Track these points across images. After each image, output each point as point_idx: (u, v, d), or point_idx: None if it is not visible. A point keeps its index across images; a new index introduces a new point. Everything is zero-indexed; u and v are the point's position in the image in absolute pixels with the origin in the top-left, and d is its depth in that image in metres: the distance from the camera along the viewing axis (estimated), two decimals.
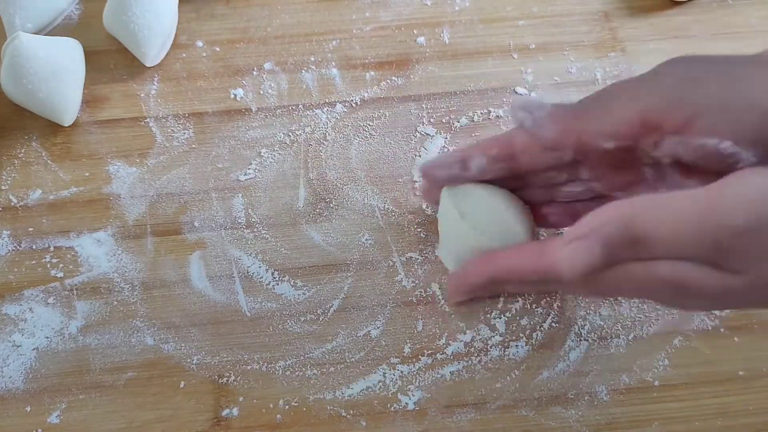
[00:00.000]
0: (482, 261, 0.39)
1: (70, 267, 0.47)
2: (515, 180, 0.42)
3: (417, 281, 0.46)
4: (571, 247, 0.33)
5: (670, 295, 0.34)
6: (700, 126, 0.34)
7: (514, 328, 0.45)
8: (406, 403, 0.43)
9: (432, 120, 0.52)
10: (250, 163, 0.51)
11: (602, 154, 0.38)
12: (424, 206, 0.49)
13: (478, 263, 0.39)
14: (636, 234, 0.32)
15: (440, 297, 0.46)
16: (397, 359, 0.44)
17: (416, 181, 0.50)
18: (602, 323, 0.45)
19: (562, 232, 0.46)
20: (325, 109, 0.53)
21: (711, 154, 0.34)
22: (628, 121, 0.36)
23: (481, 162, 0.41)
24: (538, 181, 0.43)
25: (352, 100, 0.53)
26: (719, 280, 0.32)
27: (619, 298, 0.45)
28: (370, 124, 0.52)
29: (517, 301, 0.45)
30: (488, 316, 0.45)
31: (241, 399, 0.43)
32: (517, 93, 0.52)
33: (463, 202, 0.42)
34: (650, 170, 0.39)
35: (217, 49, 0.56)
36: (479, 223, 0.41)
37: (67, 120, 0.52)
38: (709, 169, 0.35)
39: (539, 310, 0.45)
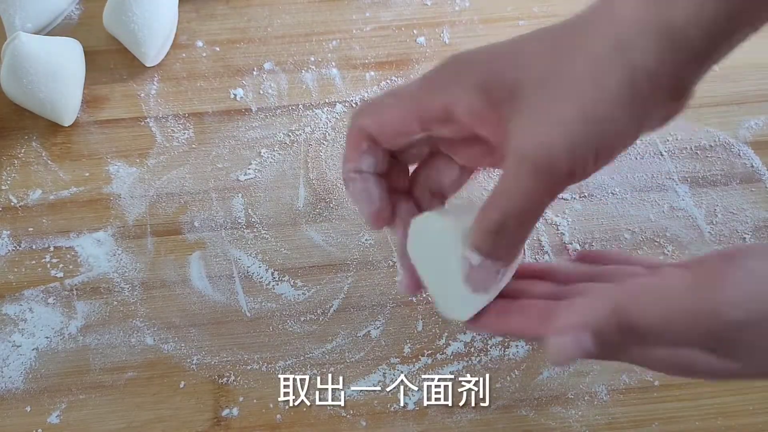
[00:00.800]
0: (497, 321, 0.36)
1: (70, 267, 0.47)
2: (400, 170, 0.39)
3: None
4: (561, 340, 0.32)
5: (673, 371, 0.34)
6: (459, 112, 0.33)
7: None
8: (406, 403, 0.43)
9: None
10: (250, 163, 0.51)
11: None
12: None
13: (493, 322, 0.36)
14: (625, 321, 0.31)
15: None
16: (397, 359, 0.44)
17: None
18: None
19: None
20: (325, 109, 0.53)
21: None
22: (430, 116, 0.35)
23: (368, 161, 0.38)
24: (409, 160, 0.39)
25: (352, 100, 0.53)
26: (717, 364, 0.31)
27: None
28: None
29: None
30: None
31: (241, 399, 0.43)
32: None
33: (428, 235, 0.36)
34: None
35: (217, 49, 0.56)
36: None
37: (67, 120, 0.52)
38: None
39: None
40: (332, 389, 0.43)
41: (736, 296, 0.30)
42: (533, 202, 0.32)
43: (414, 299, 0.46)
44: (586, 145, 0.31)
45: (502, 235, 0.33)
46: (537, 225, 0.47)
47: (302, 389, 0.43)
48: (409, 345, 0.44)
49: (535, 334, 0.35)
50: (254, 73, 0.54)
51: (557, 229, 0.48)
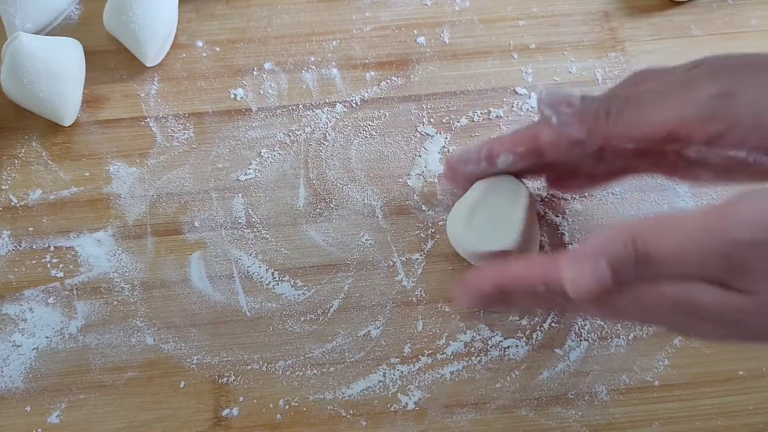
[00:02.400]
0: (492, 268, 0.38)
1: (70, 267, 0.47)
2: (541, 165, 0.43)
3: (417, 281, 0.46)
4: (577, 265, 0.33)
5: (678, 316, 0.33)
6: (731, 140, 0.34)
7: (514, 328, 0.45)
8: (406, 403, 0.43)
9: (432, 120, 0.52)
10: (250, 163, 0.51)
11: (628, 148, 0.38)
12: (424, 207, 0.49)
13: (487, 270, 0.38)
14: (642, 250, 0.32)
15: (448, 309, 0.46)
16: (397, 359, 0.44)
17: (412, 177, 0.50)
18: (602, 323, 0.45)
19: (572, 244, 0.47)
20: (325, 109, 0.53)
21: (737, 163, 0.34)
22: (658, 131, 0.36)
23: (507, 159, 0.42)
24: (563, 167, 0.43)
25: (352, 100, 0.53)
26: (726, 299, 0.31)
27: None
28: (370, 124, 0.52)
29: None
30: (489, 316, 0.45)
31: (241, 399, 0.43)
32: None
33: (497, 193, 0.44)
34: (674, 162, 0.39)
35: (217, 49, 0.56)
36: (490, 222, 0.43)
37: (67, 120, 0.52)
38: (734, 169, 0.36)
39: (539, 310, 0.45)
40: (332, 389, 0.43)
41: (744, 217, 0.30)
42: None
43: (414, 299, 0.46)
44: None
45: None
46: (537, 224, 0.47)
47: (302, 389, 0.43)
48: (409, 345, 0.44)
49: (541, 277, 0.35)
50: (254, 73, 0.54)
51: (557, 229, 0.48)
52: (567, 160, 0.42)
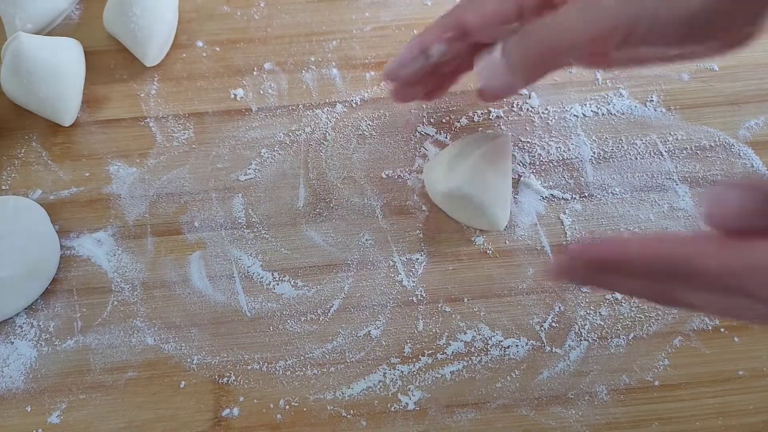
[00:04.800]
0: (614, 239, 0.33)
1: (71, 267, 0.47)
2: (476, 49, 0.44)
3: (417, 281, 0.46)
4: (713, 192, 0.30)
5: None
6: (636, 41, 0.36)
7: (514, 328, 0.45)
8: (407, 403, 0.43)
9: (432, 120, 0.52)
10: (250, 163, 0.51)
11: None
12: (423, 206, 0.49)
13: (609, 240, 0.33)
14: None
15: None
16: (398, 359, 0.44)
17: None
18: (602, 323, 0.45)
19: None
20: (325, 109, 0.53)
21: (648, 55, 0.38)
22: (575, 53, 0.38)
23: (440, 48, 0.43)
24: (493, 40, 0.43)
25: (352, 100, 0.53)
26: None
27: (618, 295, 0.45)
28: (370, 124, 0.52)
29: (519, 303, 0.46)
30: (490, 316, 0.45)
31: (241, 399, 0.43)
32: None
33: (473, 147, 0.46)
34: None
35: (217, 49, 0.56)
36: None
37: (67, 120, 0.52)
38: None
39: (539, 310, 0.45)
40: (332, 389, 0.43)
41: None
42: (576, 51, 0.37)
43: (414, 299, 0.46)
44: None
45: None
46: (537, 226, 0.47)
47: (303, 389, 0.43)
48: (409, 345, 0.44)
49: (669, 249, 0.31)
50: (254, 73, 0.54)
51: (561, 225, 0.48)
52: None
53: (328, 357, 0.44)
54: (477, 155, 0.46)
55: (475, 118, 0.52)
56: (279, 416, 0.43)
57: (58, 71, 0.51)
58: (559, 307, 0.45)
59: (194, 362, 0.44)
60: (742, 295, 0.29)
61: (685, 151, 0.50)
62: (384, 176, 0.50)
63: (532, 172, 0.50)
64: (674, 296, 0.32)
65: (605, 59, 0.40)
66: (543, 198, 0.49)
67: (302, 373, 0.44)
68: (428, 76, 0.45)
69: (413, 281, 0.46)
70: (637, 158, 0.50)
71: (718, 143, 0.50)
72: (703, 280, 0.30)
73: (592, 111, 0.51)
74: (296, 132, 0.52)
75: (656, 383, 0.43)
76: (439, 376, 0.44)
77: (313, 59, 0.55)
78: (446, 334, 0.45)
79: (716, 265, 0.29)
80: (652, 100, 0.52)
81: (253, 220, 0.49)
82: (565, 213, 0.48)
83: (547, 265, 0.45)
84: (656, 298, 0.34)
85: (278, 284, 0.46)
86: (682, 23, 0.35)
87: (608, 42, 0.36)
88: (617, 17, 0.36)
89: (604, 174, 0.49)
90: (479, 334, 0.45)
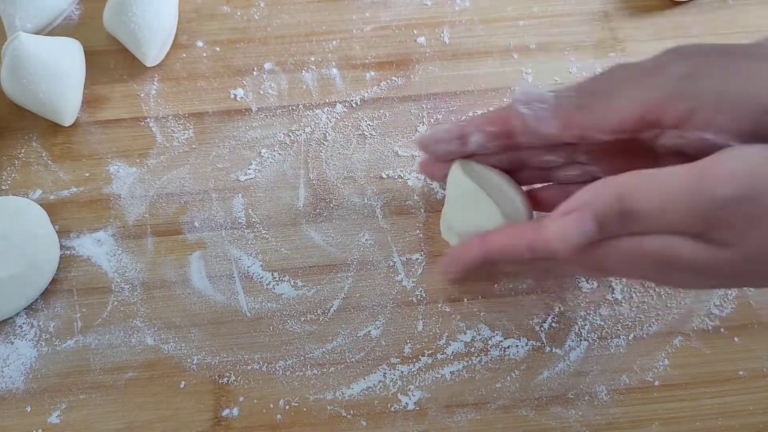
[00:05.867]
0: (476, 239, 0.39)
1: (71, 267, 0.47)
2: (512, 155, 0.43)
3: (417, 281, 0.46)
4: (563, 220, 0.34)
5: (660, 269, 0.34)
6: (698, 120, 0.34)
7: (514, 328, 0.45)
8: (407, 403, 0.43)
9: (432, 120, 0.52)
10: (250, 163, 0.51)
11: (601, 143, 0.39)
12: (423, 207, 0.49)
13: (473, 241, 0.39)
14: (626, 206, 0.33)
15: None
16: (398, 359, 0.44)
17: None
18: (602, 323, 0.45)
19: None
20: (325, 109, 0.53)
21: (710, 147, 0.34)
22: (629, 117, 0.36)
23: (479, 139, 0.42)
24: (534, 162, 0.43)
25: (352, 100, 0.53)
26: (708, 253, 0.32)
27: (618, 295, 0.45)
28: (370, 124, 0.52)
29: (520, 302, 0.46)
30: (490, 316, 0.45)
31: (241, 399, 0.43)
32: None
33: (475, 176, 0.42)
34: (648, 156, 0.39)
35: (217, 49, 0.56)
36: (494, 197, 0.42)
37: (67, 120, 0.52)
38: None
39: (539, 310, 0.45)
40: (332, 389, 0.43)
41: (725, 172, 0.31)
42: None
43: (414, 299, 0.46)
44: None
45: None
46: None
47: (303, 389, 0.43)
48: (409, 345, 0.44)
49: (525, 243, 0.36)
50: (254, 73, 0.54)
51: None
52: (537, 149, 0.42)
53: (328, 357, 0.44)
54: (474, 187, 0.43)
55: None
56: (279, 416, 0.43)
57: (58, 71, 0.51)
58: (559, 307, 0.45)
59: (194, 362, 0.44)
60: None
61: None
62: (384, 176, 0.50)
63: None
64: (547, 269, 0.40)
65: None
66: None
67: (302, 373, 0.44)
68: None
69: (413, 281, 0.46)
70: None
71: None
72: (563, 262, 0.36)
73: None
74: (296, 132, 0.52)
75: (656, 383, 0.43)
76: (439, 376, 0.44)
77: (313, 59, 0.55)
78: (446, 334, 0.45)
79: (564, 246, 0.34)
80: None
81: (253, 220, 0.49)
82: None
83: (439, 270, 0.45)
84: (531, 273, 0.44)
85: (278, 284, 0.46)
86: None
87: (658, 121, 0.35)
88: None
89: None
90: (479, 335, 0.45)
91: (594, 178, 0.42)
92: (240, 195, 0.50)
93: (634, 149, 0.39)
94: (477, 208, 0.42)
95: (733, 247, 0.32)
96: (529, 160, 0.43)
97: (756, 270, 0.33)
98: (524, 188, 0.43)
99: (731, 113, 0.34)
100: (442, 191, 0.49)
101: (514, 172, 0.43)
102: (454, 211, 0.43)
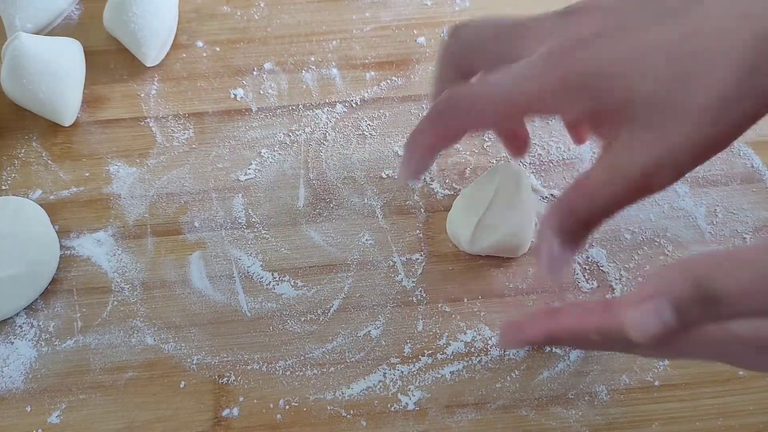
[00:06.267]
0: (542, 315, 0.37)
1: (70, 267, 0.47)
2: None
3: (417, 281, 0.46)
4: (640, 310, 0.31)
5: (749, 353, 0.33)
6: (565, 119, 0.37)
7: None
8: (407, 403, 0.43)
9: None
10: (250, 163, 0.51)
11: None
12: (423, 207, 0.49)
13: (537, 317, 0.37)
14: (708, 293, 0.30)
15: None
16: (398, 359, 0.44)
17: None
18: None
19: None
20: (325, 109, 0.53)
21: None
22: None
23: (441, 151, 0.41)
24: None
25: (352, 100, 0.53)
26: None
27: (618, 295, 0.45)
28: (370, 124, 0.52)
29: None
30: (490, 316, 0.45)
31: (241, 399, 0.43)
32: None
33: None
34: None
35: (217, 49, 0.56)
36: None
37: (67, 120, 0.52)
38: None
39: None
40: (332, 389, 0.43)
41: None
42: (619, 207, 0.35)
43: (414, 299, 0.46)
44: (689, 170, 0.34)
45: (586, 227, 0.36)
46: (537, 226, 0.47)
47: (303, 389, 0.43)
48: (409, 345, 0.44)
49: (596, 326, 0.34)
50: (254, 73, 0.54)
51: None
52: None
53: (327, 357, 0.44)
54: (491, 193, 0.45)
55: None
56: (279, 416, 0.43)
57: (58, 71, 0.51)
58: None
59: (194, 362, 0.44)
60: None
61: None
62: (384, 176, 0.50)
63: (532, 172, 0.50)
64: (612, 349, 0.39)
65: None
66: (543, 198, 0.49)
67: (302, 373, 0.44)
68: None
69: (413, 281, 0.46)
70: None
71: None
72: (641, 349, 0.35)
73: None
74: (296, 132, 0.52)
75: (656, 383, 0.43)
76: (439, 376, 0.44)
77: (313, 59, 0.55)
78: (446, 334, 0.45)
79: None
80: None
81: (253, 220, 0.49)
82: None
83: (499, 337, 0.42)
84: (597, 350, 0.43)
85: (278, 284, 0.46)
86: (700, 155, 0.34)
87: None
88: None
89: None
90: (479, 335, 0.45)
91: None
92: (240, 195, 0.50)
93: None
94: (509, 208, 0.44)
95: None
96: None
97: None
98: None
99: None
100: (443, 192, 0.49)
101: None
102: (490, 213, 0.45)
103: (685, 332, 0.31)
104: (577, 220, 0.36)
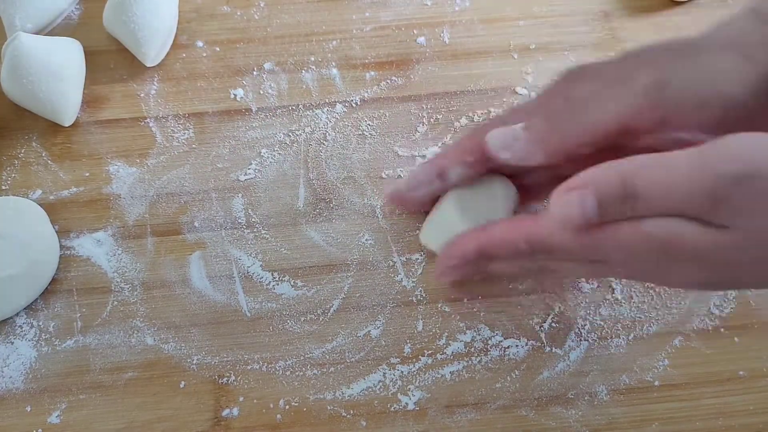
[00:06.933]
0: (473, 231, 0.39)
1: (70, 267, 0.47)
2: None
3: (417, 281, 0.46)
4: (565, 198, 0.34)
5: (660, 259, 0.34)
6: (671, 123, 0.35)
7: (514, 328, 0.45)
8: (406, 403, 0.43)
9: (432, 120, 0.52)
10: (250, 163, 0.51)
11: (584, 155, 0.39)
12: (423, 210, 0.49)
13: (469, 234, 0.39)
14: (629, 187, 0.32)
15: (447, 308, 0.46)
16: (397, 359, 0.44)
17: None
18: (602, 323, 0.45)
19: None
20: (325, 109, 0.53)
21: (683, 144, 0.35)
22: (603, 132, 0.37)
23: (459, 171, 0.42)
24: (515, 175, 0.43)
25: (352, 100, 0.53)
26: (708, 236, 0.32)
27: (618, 295, 0.45)
28: (370, 124, 0.52)
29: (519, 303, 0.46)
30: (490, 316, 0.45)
31: (241, 399, 0.43)
32: (517, 93, 0.53)
33: (465, 201, 0.43)
34: (625, 152, 0.40)
35: (217, 49, 0.56)
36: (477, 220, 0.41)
37: (67, 120, 0.52)
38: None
39: (539, 310, 0.45)
40: (332, 389, 0.43)
41: (729, 152, 0.31)
42: None
43: (414, 299, 0.46)
44: None
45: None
46: None
47: (302, 389, 0.43)
48: (409, 345, 0.44)
49: (524, 234, 0.36)
50: (254, 73, 0.54)
51: None
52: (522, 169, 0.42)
53: (327, 357, 0.44)
54: (475, 203, 0.43)
55: (475, 118, 0.52)
56: (279, 416, 0.43)
57: (58, 71, 0.51)
58: (559, 307, 0.45)
59: (194, 362, 0.44)
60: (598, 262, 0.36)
61: None
62: (384, 176, 0.50)
63: None
64: (546, 267, 0.39)
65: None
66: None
67: (302, 373, 0.44)
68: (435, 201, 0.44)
69: (413, 281, 0.46)
70: None
71: None
72: (562, 253, 0.36)
73: None
74: (296, 132, 0.52)
75: (656, 383, 0.43)
76: (439, 376, 0.44)
77: (313, 59, 0.55)
78: (446, 334, 0.45)
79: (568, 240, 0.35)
80: None
81: (253, 220, 0.49)
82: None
83: (436, 270, 0.44)
84: (530, 273, 0.44)
85: (278, 284, 0.46)
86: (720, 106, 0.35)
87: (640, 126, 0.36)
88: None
89: None
90: (479, 335, 0.45)
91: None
92: (240, 195, 0.50)
93: (611, 149, 0.39)
94: (479, 207, 0.42)
95: (734, 231, 0.32)
96: (510, 173, 0.43)
97: (757, 256, 0.33)
98: None
99: (700, 111, 0.34)
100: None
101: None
102: (438, 226, 0.43)
103: (604, 229, 0.34)
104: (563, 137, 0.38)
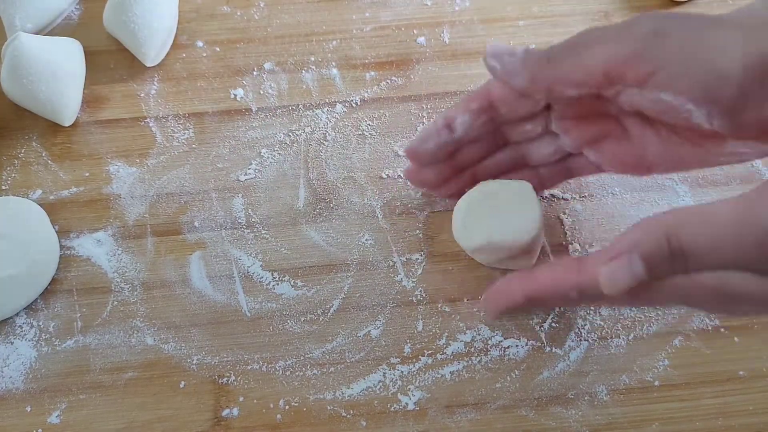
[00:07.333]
0: (520, 279, 0.38)
1: (71, 267, 0.47)
2: (497, 137, 0.44)
3: (417, 281, 0.46)
4: (611, 265, 0.33)
5: (717, 302, 0.34)
6: (660, 80, 0.35)
7: (514, 328, 0.45)
8: (406, 403, 0.43)
9: (432, 120, 0.52)
10: (250, 163, 0.51)
11: (571, 103, 0.40)
12: (423, 207, 0.49)
13: (515, 281, 0.39)
14: (676, 247, 0.32)
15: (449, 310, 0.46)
16: (397, 359, 0.44)
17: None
18: (602, 323, 0.45)
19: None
20: (325, 109, 0.53)
21: (667, 109, 0.36)
22: (594, 72, 0.36)
23: (464, 119, 0.42)
24: (515, 135, 0.44)
25: (352, 100, 0.53)
26: (762, 286, 0.32)
27: None
28: (370, 124, 0.52)
29: None
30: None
31: (241, 399, 0.43)
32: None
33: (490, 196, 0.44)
34: (615, 123, 0.41)
35: (217, 49, 0.56)
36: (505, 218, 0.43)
37: (67, 120, 0.52)
38: (667, 122, 0.37)
39: (539, 310, 0.45)
40: (332, 389, 0.43)
41: None
42: None
43: (414, 299, 0.46)
44: None
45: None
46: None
47: (302, 389, 0.43)
48: (409, 345, 0.44)
49: (571, 284, 0.36)
50: (254, 73, 0.54)
51: (561, 225, 0.48)
52: (516, 120, 0.42)
53: (327, 357, 0.44)
54: (497, 201, 0.44)
55: None
56: (279, 416, 0.43)
57: (58, 71, 0.51)
58: (559, 307, 0.45)
59: (194, 362, 0.44)
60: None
61: None
62: (384, 176, 0.50)
63: None
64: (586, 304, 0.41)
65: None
66: (543, 198, 0.49)
67: (302, 373, 0.44)
68: (448, 160, 0.45)
69: (413, 281, 0.46)
70: None
71: None
72: (615, 302, 0.37)
73: None
74: (296, 132, 0.52)
75: (656, 383, 0.43)
76: (439, 376, 0.44)
77: (313, 59, 0.55)
78: (446, 334, 0.45)
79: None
80: None
81: (253, 220, 0.49)
82: (565, 213, 0.48)
83: (481, 304, 0.45)
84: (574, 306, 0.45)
85: (278, 284, 0.46)
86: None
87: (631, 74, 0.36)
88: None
89: (604, 173, 0.49)
90: (479, 335, 0.45)
91: (565, 155, 0.44)
92: (240, 195, 0.50)
93: (600, 116, 0.41)
94: (512, 216, 0.43)
95: None
96: (510, 134, 0.44)
97: None
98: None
99: (691, 77, 0.34)
100: None
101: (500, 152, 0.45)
102: (488, 218, 0.44)
103: (656, 284, 0.34)
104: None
